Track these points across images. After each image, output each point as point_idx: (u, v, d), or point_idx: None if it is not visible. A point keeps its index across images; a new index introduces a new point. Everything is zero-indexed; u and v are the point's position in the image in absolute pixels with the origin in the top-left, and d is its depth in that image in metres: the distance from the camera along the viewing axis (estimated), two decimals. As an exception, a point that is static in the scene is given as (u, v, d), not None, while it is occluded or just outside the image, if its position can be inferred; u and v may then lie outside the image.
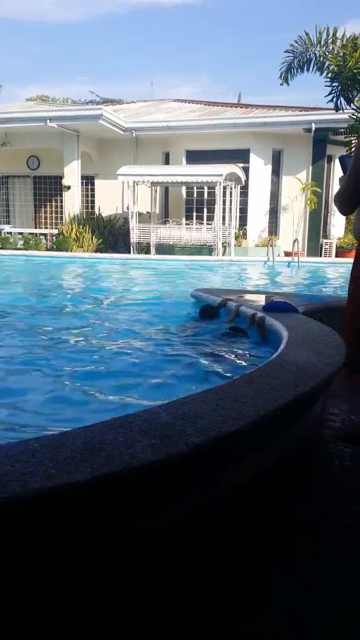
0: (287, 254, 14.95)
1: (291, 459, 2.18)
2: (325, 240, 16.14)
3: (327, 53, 7.02)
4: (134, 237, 15.30)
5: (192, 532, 1.52)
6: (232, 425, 1.53)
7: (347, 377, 3.20)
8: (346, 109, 7.07)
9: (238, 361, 3.75)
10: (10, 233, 16.57)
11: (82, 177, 16.65)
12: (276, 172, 16.26)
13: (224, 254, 14.88)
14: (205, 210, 16.02)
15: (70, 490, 1.17)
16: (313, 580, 1.49)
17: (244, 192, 15.93)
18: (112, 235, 16.37)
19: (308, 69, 7.22)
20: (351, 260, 2.69)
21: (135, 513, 1.35)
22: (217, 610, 1.39)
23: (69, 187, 16.21)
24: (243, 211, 16.15)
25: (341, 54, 6.81)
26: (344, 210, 2.43)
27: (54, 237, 15.99)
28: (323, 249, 15.96)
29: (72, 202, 16.35)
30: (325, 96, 6.96)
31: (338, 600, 1.43)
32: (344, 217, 17.15)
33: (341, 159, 2.57)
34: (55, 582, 1.24)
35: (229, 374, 3.35)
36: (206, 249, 14.85)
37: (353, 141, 7.36)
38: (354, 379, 3.29)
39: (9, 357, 3.93)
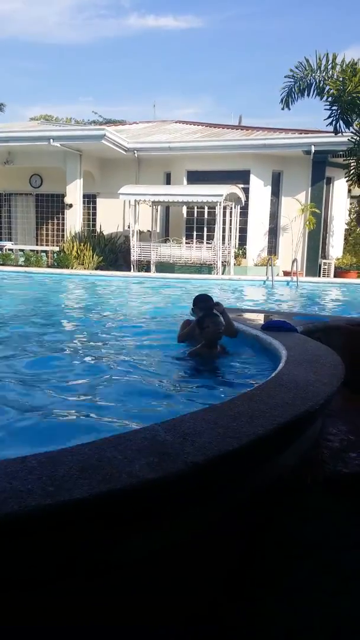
0: (286, 273, 15.02)
1: (289, 478, 2.17)
2: (324, 261, 16.23)
3: (327, 78, 7.14)
4: (135, 255, 15.39)
5: (189, 552, 1.50)
6: (231, 444, 1.52)
7: (346, 397, 3.20)
8: (345, 132, 7.18)
9: (237, 379, 3.74)
10: (12, 250, 16.66)
11: (84, 196, 16.81)
12: (276, 193, 16.43)
13: (223, 272, 14.95)
14: (205, 229, 16.14)
15: (68, 508, 1.17)
16: (311, 602, 1.48)
17: (244, 212, 16.08)
18: (112, 253, 16.47)
19: (308, 94, 7.34)
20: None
21: (133, 531, 1.34)
22: (216, 632, 1.37)
23: (70, 205, 16.35)
24: (243, 231, 16.27)
25: (341, 79, 6.94)
26: None
27: (55, 254, 16.07)
28: (322, 269, 16.05)
29: (73, 220, 16.48)
30: (324, 119, 7.07)
31: (336, 621, 1.41)
32: (343, 238, 17.29)
33: None
34: (52, 600, 1.22)
35: (228, 392, 3.35)
36: (206, 268, 14.92)
37: (352, 164, 7.45)
38: (353, 399, 3.28)
39: (7, 374, 3.93)
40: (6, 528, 1.11)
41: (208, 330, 3.99)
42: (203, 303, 4.47)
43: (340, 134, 7.23)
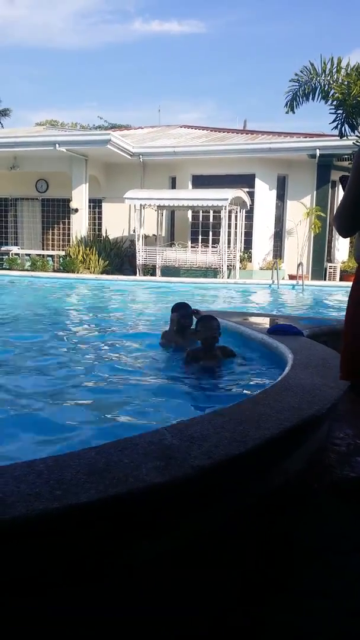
0: (291, 277, 15.00)
1: (296, 482, 2.17)
2: (329, 264, 16.20)
3: (331, 82, 7.15)
4: (140, 259, 15.43)
5: (195, 555, 1.51)
6: (237, 448, 1.53)
7: (352, 400, 3.19)
8: (350, 135, 7.19)
9: (243, 383, 3.74)
10: (18, 254, 16.74)
11: (90, 200, 16.87)
12: (281, 197, 16.44)
13: (229, 276, 14.95)
14: (210, 233, 16.16)
15: (75, 512, 1.18)
16: (317, 606, 1.47)
17: (249, 216, 16.09)
18: (118, 257, 16.51)
19: (313, 98, 7.35)
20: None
21: (139, 534, 1.34)
22: (223, 634, 1.37)
23: (76, 210, 16.42)
24: (248, 235, 16.28)
25: (346, 83, 6.94)
26: (344, 229, 2.23)
27: (60, 259, 16.13)
28: (327, 273, 16.02)
29: (79, 225, 16.55)
30: (329, 123, 7.08)
31: (341, 625, 1.41)
32: (348, 242, 17.26)
33: (341, 179, 2.45)
34: (58, 603, 1.23)
35: (234, 396, 3.35)
36: (211, 272, 14.93)
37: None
38: (359, 403, 3.27)
39: (12, 378, 3.94)
40: (14, 531, 1.12)
41: (204, 333, 4.00)
42: (183, 310, 4.48)
43: (345, 138, 7.24)
